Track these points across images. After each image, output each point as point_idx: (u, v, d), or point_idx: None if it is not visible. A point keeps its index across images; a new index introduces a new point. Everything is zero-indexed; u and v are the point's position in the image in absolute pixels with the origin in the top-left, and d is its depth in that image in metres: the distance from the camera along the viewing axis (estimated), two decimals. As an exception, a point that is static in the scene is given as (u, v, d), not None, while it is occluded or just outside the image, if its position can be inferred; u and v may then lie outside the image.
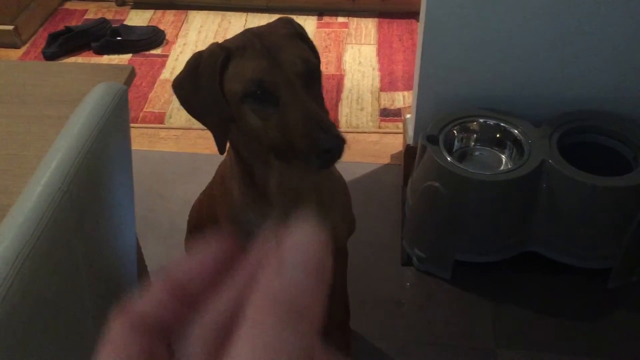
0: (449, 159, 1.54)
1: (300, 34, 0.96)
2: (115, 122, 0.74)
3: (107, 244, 0.82)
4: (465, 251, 1.64)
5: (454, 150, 1.68)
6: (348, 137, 2.25)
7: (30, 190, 0.62)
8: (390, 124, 2.23)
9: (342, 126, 2.24)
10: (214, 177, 1.29)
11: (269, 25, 0.97)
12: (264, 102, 0.91)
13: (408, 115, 1.96)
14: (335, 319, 1.47)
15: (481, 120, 1.67)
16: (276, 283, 0.21)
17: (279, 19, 1.00)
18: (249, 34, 0.93)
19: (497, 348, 1.53)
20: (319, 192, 1.11)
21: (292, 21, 1.00)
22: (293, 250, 0.22)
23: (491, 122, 1.66)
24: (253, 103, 0.91)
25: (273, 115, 0.91)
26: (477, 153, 1.70)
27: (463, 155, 1.69)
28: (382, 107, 2.32)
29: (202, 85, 0.92)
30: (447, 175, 1.52)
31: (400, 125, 2.19)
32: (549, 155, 1.52)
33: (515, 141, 1.62)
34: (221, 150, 0.98)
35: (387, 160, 2.09)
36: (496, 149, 1.68)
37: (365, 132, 2.21)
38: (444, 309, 1.63)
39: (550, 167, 1.51)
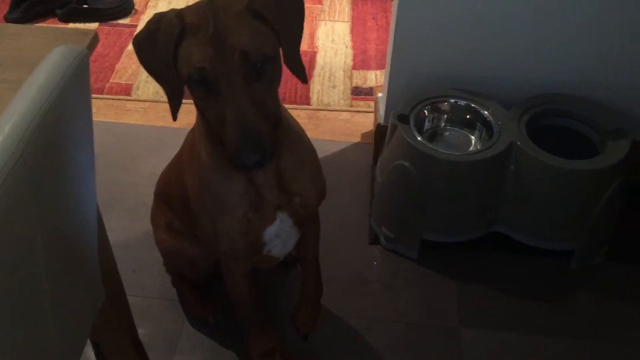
0: (419, 138, 1.54)
1: (258, 12, 0.90)
2: (75, 86, 0.71)
3: (66, 215, 0.79)
4: (432, 231, 1.64)
5: (425, 130, 1.68)
6: (319, 115, 2.24)
7: (-18, 155, 0.59)
8: (361, 103, 2.22)
9: (314, 103, 2.21)
10: (183, 145, 1.27)
11: None
12: (207, 89, 0.91)
13: (380, 94, 1.95)
14: (307, 294, 1.46)
15: (452, 101, 1.67)
16: None
17: None
18: (208, 8, 0.90)
19: (461, 327, 1.54)
20: (284, 156, 1.09)
21: None
22: None
23: (462, 102, 1.66)
24: (197, 88, 0.92)
25: (214, 105, 0.91)
26: (447, 133, 1.70)
27: (433, 135, 1.69)
28: (354, 85, 2.30)
29: (158, 52, 0.91)
30: (417, 155, 1.52)
31: (372, 104, 2.17)
32: (518, 138, 1.53)
33: (485, 122, 1.63)
34: (174, 116, 0.99)
35: (357, 139, 2.08)
36: (466, 129, 1.69)
37: (337, 110, 2.19)
38: (410, 288, 1.64)
39: (518, 149, 1.52)
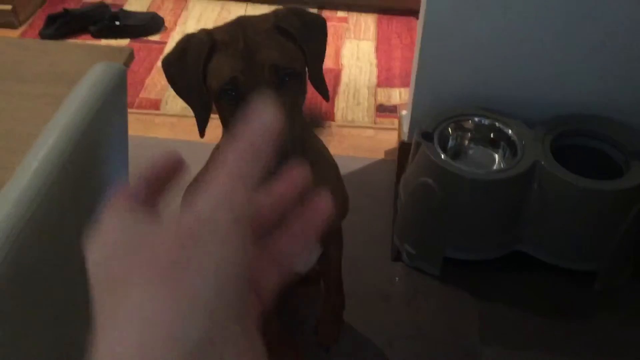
0: (442, 156, 1.55)
1: (286, 30, 0.94)
2: (114, 101, 0.75)
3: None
4: (455, 248, 1.65)
5: (448, 148, 1.68)
6: (343, 132, 2.26)
7: (27, 166, 0.62)
8: (385, 120, 2.24)
9: (338, 120, 2.24)
10: (209, 160, 1.30)
11: (260, 16, 0.97)
12: (236, 103, 0.93)
13: (404, 112, 1.97)
14: (329, 308, 1.47)
15: (476, 119, 1.68)
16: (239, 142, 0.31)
17: (275, 10, 0.98)
18: (237, 26, 0.93)
19: (483, 345, 1.54)
20: None
21: (285, 15, 0.96)
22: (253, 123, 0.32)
23: (486, 121, 1.67)
24: (227, 101, 0.94)
25: (241, 117, 0.93)
26: (470, 152, 1.71)
27: (457, 154, 1.70)
28: (378, 102, 2.32)
29: (187, 69, 0.94)
30: (440, 173, 1.53)
31: (396, 121, 2.19)
32: (542, 157, 1.53)
33: (509, 141, 1.63)
34: (201, 133, 1.00)
35: (381, 156, 2.09)
36: (490, 148, 1.69)
37: (361, 127, 2.22)
38: (432, 304, 1.64)
39: (542, 169, 1.52)
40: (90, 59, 1.02)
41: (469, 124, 1.69)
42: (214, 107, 1.00)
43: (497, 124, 1.66)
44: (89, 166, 0.71)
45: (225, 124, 1.05)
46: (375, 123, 2.23)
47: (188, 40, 0.96)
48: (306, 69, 0.99)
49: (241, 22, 0.94)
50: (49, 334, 0.71)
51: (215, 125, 1.07)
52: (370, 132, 2.20)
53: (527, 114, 1.68)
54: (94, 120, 0.69)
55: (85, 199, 0.72)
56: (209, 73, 0.94)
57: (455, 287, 1.67)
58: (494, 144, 1.68)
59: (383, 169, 2.04)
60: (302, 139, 1.07)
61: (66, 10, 2.65)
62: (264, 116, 0.32)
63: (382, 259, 1.75)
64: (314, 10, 2.83)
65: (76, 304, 0.77)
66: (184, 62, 0.95)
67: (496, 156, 1.68)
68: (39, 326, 0.66)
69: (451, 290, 1.67)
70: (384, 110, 2.29)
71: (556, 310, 1.62)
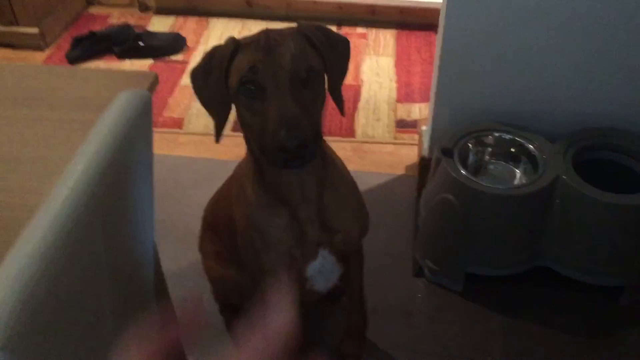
0: (463, 172, 1.56)
1: (308, 37, 0.97)
2: (139, 128, 0.77)
3: (128, 245, 0.84)
4: (477, 264, 1.65)
5: (469, 163, 1.69)
6: (364, 147, 2.27)
7: (58, 191, 0.64)
8: (406, 135, 2.25)
9: (358, 136, 2.26)
10: (231, 176, 1.32)
11: (285, 28, 1.00)
12: (254, 96, 0.94)
13: (424, 127, 1.97)
14: (352, 326, 1.48)
15: (496, 134, 1.68)
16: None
17: (300, 23, 1.01)
18: (262, 32, 0.97)
19: (506, 362, 1.53)
20: (327, 194, 1.12)
21: (310, 27, 1.00)
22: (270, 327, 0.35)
23: (506, 136, 1.67)
24: (245, 96, 0.95)
25: (259, 110, 0.95)
26: (491, 167, 1.71)
27: (477, 169, 1.70)
28: (398, 118, 2.34)
29: (212, 75, 0.96)
30: (461, 188, 1.53)
31: (416, 136, 2.20)
32: (564, 171, 1.53)
33: (530, 156, 1.63)
34: (217, 138, 1.02)
35: (401, 171, 2.10)
36: (511, 163, 1.69)
37: (381, 143, 2.23)
38: (454, 321, 1.63)
39: (564, 183, 1.51)
40: (117, 85, 1.05)
41: (489, 139, 1.69)
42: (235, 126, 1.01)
43: (517, 138, 1.66)
44: (116, 192, 0.74)
45: (245, 130, 1.03)
46: (395, 138, 2.24)
47: (216, 49, 1.00)
48: (326, 77, 1.01)
49: (266, 30, 0.98)
50: (77, 347, 0.73)
51: (237, 143, 1.08)
52: (390, 147, 2.21)
53: (548, 129, 1.68)
54: (120, 147, 0.72)
55: (112, 224, 0.74)
56: (232, 71, 0.96)
57: (478, 303, 1.67)
58: (514, 159, 1.68)
59: (404, 185, 2.04)
60: (320, 135, 1.07)
61: (92, 33, 2.72)
62: (281, 317, 0.35)
63: (404, 275, 1.75)
64: (334, 27, 2.86)
65: (104, 329, 0.79)
66: (209, 70, 0.98)
67: (517, 171, 1.68)
68: (68, 352, 0.68)
69: (474, 306, 1.66)
70: (404, 125, 2.30)
71: (581, 326, 1.61)
